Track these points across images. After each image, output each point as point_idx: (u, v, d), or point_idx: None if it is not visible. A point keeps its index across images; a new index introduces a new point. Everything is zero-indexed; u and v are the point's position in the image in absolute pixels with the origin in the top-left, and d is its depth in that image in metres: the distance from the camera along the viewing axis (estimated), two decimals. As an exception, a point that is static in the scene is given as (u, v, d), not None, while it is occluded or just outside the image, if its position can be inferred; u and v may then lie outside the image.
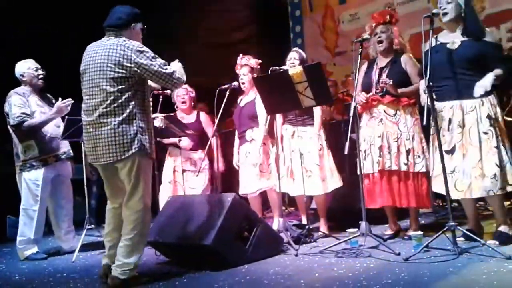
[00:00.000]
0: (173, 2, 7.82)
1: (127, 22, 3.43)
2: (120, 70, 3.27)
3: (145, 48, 3.35)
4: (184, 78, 3.57)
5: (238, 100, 5.26)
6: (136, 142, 3.29)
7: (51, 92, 4.96)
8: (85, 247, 4.75)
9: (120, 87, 3.28)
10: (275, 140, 4.61)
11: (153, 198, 6.81)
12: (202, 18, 8.29)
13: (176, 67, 3.59)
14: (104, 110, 3.27)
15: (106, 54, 3.30)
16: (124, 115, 3.27)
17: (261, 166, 4.90)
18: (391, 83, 4.03)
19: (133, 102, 3.32)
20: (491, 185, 3.62)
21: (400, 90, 4.10)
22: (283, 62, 4.79)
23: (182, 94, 5.51)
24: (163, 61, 3.41)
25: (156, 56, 3.39)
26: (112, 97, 3.27)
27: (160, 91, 5.20)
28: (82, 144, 4.95)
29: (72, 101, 4.54)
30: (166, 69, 3.39)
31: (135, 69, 3.29)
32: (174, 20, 7.81)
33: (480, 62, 3.69)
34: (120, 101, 3.27)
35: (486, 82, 3.56)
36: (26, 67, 4.74)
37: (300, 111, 4.52)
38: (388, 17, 4.30)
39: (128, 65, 3.27)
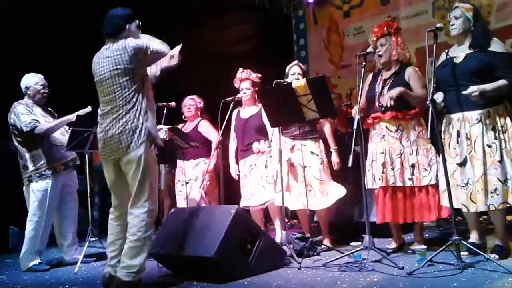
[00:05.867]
0: (176, 14, 7.86)
1: (122, 26, 3.61)
2: (123, 72, 3.45)
3: (134, 44, 3.50)
4: (163, 49, 3.63)
5: (235, 113, 5.24)
6: (143, 134, 3.44)
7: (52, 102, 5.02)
8: (87, 259, 4.74)
9: (128, 83, 3.45)
10: (278, 152, 4.61)
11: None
12: (206, 31, 8.32)
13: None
14: (113, 108, 3.46)
15: (110, 55, 3.49)
16: (130, 114, 3.43)
17: (268, 178, 4.89)
18: (393, 99, 3.96)
19: (139, 100, 3.49)
20: (491, 199, 3.61)
21: (403, 90, 3.96)
22: (286, 74, 4.80)
23: (189, 105, 5.62)
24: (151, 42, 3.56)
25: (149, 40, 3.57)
26: (122, 94, 3.45)
27: (164, 103, 5.25)
28: (86, 155, 5.01)
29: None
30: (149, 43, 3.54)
31: (132, 65, 3.46)
32: (177, 32, 7.84)
33: (486, 73, 3.65)
34: (125, 99, 3.44)
35: (472, 88, 3.55)
36: (33, 82, 4.79)
37: (301, 124, 4.53)
38: (385, 29, 4.26)
39: (128, 65, 3.45)
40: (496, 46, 3.74)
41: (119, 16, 3.62)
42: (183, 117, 5.71)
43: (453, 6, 3.94)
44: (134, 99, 3.46)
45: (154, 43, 3.55)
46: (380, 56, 4.27)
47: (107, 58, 3.49)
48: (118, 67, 3.44)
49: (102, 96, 3.57)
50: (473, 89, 3.55)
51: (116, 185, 3.63)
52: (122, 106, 3.44)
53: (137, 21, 3.69)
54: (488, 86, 3.59)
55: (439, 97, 3.77)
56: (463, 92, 3.61)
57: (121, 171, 3.54)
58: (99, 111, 3.64)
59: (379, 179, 4.15)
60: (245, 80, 5.11)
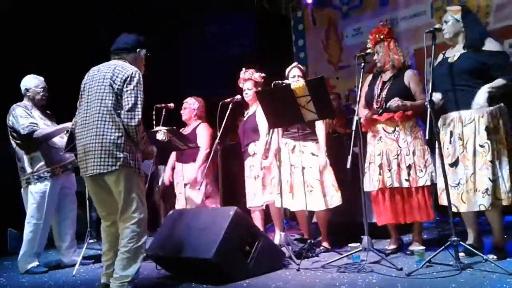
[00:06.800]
0: (176, 16, 7.88)
1: (133, 47, 3.60)
2: (111, 89, 3.38)
3: (139, 78, 3.42)
4: (133, 124, 3.37)
5: (245, 114, 5.27)
6: (121, 157, 3.34)
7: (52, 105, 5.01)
8: (85, 261, 4.74)
9: (113, 103, 3.37)
10: (275, 153, 4.60)
11: (155, 211, 6.84)
12: (205, 32, 8.33)
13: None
14: (97, 123, 3.35)
15: (105, 72, 3.44)
16: (114, 129, 3.34)
17: (264, 179, 4.88)
18: (396, 103, 4.02)
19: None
20: (482, 199, 3.60)
21: (409, 104, 4.06)
22: (286, 76, 4.80)
23: (183, 108, 5.62)
24: (141, 99, 3.41)
25: (141, 91, 3.41)
26: (105, 112, 3.36)
27: (162, 105, 5.25)
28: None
29: None
30: (137, 105, 3.38)
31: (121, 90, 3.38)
32: (177, 33, 7.86)
33: (482, 72, 3.67)
34: (113, 116, 3.35)
35: (478, 99, 3.60)
36: (33, 84, 4.79)
37: (302, 125, 4.53)
38: (377, 36, 4.30)
39: (118, 85, 3.37)
40: (490, 45, 3.74)
41: (133, 39, 3.63)
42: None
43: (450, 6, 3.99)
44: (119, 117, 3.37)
45: (138, 111, 3.37)
46: (378, 62, 4.33)
47: (106, 69, 3.44)
48: (111, 79, 3.38)
49: (86, 103, 3.49)
50: (480, 101, 3.61)
51: (96, 193, 3.54)
52: (106, 122, 3.36)
53: (147, 52, 3.68)
54: (495, 85, 3.61)
55: (438, 96, 3.79)
56: (473, 105, 3.64)
57: (100, 182, 3.46)
58: (77, 119, 3.55)
59: (377, 180, 4.17)
60: (247, 81, 5.10)
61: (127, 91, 3.35)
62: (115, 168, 3.32)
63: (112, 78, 3.38)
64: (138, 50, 3.61)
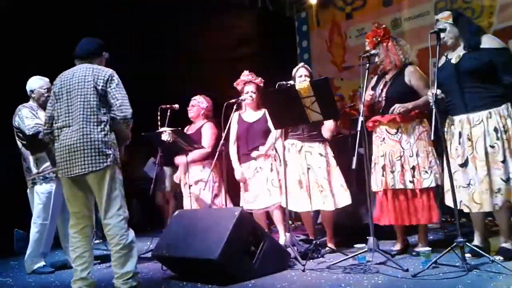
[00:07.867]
0: (179, 16, 7.87)
1: (99, 51, 3.71)
2: (95, 90, 3.43)
3: (117, 77, 3.53)
4: (129, 116, 3.47)
5: (236, 117, 5.18)
6: (111, 154, 3.40)
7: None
8: (91, 261, 4.74)
9: (97, 103, 3.42)
10: (281, 155, 4.61)
11: (160, 212, 6.84)
12: (208, 33, 8.32)
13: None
14: (82, 123, 3.38)
15: (83, 75, 3.49)
16: (100, 128, 3.40)
17: (273, 181, 4.89)
18: (398, 110, 4.06)
19: (107, 118, 3.46)
20: (496, 199, 3.64)
21: (411, 106, 4.08)
22: (290, 76, 4.80)
23: (191, 105, 5.56)
24: (126, 95, 3.52)
25: (123, 88, 3.53)
26: (89, 112, 3.40)
27: (167, 106, 5.25)
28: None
29: None
30: (125, 99, 3.48)
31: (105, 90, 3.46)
32: (177, 34, 7.86)
33: (485, 71, 3.70)
34: (97, 115, 3.41)
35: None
36: (38, 85, 4.81)
37: (307, 126, 4.53)
38: (374, 39, 4.32)
39: (101, 86, 3.45)
40: (489, 42, 3.77)
41: (97, 42, 3.73)
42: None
43: (453, 6, 4.00)
44: (104, 116, 3.45)
45: (128, 104, 3.48)
46: (379, 65, 4.35)
47: (83, 72, 3.49)
48: (92, 81, 3.44)
49: (66, 107, 3.52)
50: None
51: (74, 194, 3.54)
52: (90, 121, 3.42)
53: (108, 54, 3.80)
54: None
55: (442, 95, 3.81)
56: None
57: (81, 183, 3.48)
58: (58, 123, 3.57)
59: (380, 182, 4.19)
60: (250, 84, 5.09)
61: (111, 90, 3.44)
62: (106, 164, 3.36)
63: (94, 80, 3.44)
64: (103, 53, 3.72)
